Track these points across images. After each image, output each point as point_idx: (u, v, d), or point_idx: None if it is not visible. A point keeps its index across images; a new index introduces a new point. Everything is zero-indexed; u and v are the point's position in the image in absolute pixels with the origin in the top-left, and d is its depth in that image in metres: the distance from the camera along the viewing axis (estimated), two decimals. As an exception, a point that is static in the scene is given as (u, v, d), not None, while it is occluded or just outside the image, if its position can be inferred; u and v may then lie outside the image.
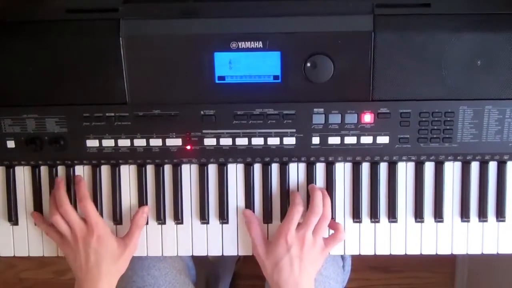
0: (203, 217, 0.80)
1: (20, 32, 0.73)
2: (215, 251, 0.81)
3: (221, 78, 0.73)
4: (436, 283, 1.49)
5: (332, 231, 0.79)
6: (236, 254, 0.81)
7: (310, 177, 0.79)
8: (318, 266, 0.77)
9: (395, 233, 0.80)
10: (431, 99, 0.73)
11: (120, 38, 0.72)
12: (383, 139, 0.75)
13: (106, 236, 0.76)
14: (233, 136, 0.76)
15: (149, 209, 0.80)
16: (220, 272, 1.30)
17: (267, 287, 0.92)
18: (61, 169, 0.80)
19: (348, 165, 0.79)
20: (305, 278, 0.74)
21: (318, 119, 0.75)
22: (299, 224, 0.76)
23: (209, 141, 0.76)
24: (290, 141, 0.76)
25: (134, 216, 0.79)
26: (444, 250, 0.80)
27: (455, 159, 0.78)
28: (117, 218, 0.80)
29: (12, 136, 0.77)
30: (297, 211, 0.76)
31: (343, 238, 0.78)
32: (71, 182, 0.80)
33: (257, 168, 0.80)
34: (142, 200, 0.80)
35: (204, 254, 0.81)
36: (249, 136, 0.76)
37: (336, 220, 0.80)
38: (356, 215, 0.79)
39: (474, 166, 0.79)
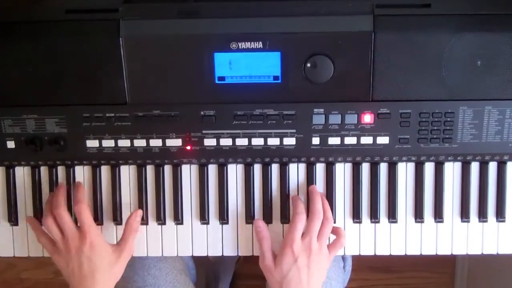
0: (203, 218, 0.80)
1: (20, 32, 0.72)
2: (215, 251, 0.81)
3: (221, 78, 0.73)
4: (436, 283, 1.49)
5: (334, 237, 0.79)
6: (236, 254, 0.81)
7: (310, 178, 0.79)
8: (325, 272, 0.76)
9: (395, 233, 0.80)
10: (431, 99, 0.73)
11: (120, 38, 0.71)
12: (383, 140, 0.75)
13: (99, 242, 0.75)
14: (233, 137, 0.76)
15: (149, 209, 0.80)
16: (220, 272, 1.30)
17: None
18: (61, 170, 0.80)
19: (348, 166, 0.79)
20: (313, 286, 0.74)
21: (318, 119, 0.75)
22: (303, 233, 0.76)
23: (209, 142, 0.76)
24: (290, 141, 0.76)
25: (128, 220, 0.78)
26: (444, 250, 0.80)
27: (455, 160, 0.78)
28: (117, 218, 0.80)
29: (12, 136, 0.77)
30: (300, 220, 0.75)
31: (344, 243, 0.77)
32: (70, 184, 0.80)
33: (257, 168, 0.80)
34: (142, 201, 0.80)
35: (204, 254, 0.81)
36: (249, 137, 0.76)
37: (337, 221, 0.80)
38: (356, 216, 0.79)
39: (474, 167, 0.79)
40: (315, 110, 0.74)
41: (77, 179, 0.80)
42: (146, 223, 0.81)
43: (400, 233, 0.80)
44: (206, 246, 0.81)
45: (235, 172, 0.80)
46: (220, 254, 0.81)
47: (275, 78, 0.73)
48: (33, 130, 0.76)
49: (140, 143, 0.77)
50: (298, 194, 0.80)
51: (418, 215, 0.79)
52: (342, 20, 0.71)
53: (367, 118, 0.74)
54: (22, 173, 0.81)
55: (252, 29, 0.71)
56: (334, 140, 0.76)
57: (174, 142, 0.76)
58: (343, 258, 0.95)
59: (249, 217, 0.80)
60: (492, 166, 0.79)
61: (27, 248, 0.82)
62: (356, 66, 0.72)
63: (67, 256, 0.74)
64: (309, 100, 0.74)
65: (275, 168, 0.80)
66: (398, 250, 0.80)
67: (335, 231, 0.77)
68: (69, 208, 0.78)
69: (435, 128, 0.74)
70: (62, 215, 0.75)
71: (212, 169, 0.80)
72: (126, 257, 0.77)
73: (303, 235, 0.75)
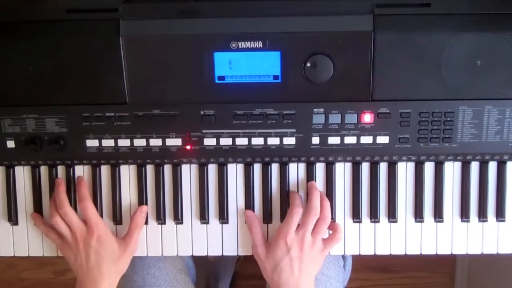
0: (203, 217, 0.80)
1: (20, 32, 0.73)
2: (215, 251, 0.81)
3: (221, 78, 0.73)
4: (436, 283, 1.49)
5: (331, 232, 0.79)
6: (236, 254, 0.81)
7: (310, 177, 0.79)
8: (318, 266, 0.77)
9: (395, 233, 0.80)
10: (431, 99, 0.73)
11: (120, 38, 0.72)
12: (383, 139, 0.75)
13: (106, 236, 0.76)
14: (233, 136, 0.76)
15: (148, 209, 0.80)
16: (220, 272, 1.30)
17: None
18: (61, 169, 0.80)
19: (348, 165, 0.79)
20: (305, 279, 0.74)
21: (318, 119, 0.75)
22: (298, 225, 0.76)
23: (209, 141, 0.76)
24: (290, 141, 0.76)
25: (133, 215, 0.79)
26: (444, 250, 0.80)
27: (455, 159, 0.78)
28: (117, 218, 0.80)
29: (12, 136, 0.77)
30: (296, 212, 0.76)
31: (341, 238, 0.78)
32: (71, 183, 0.80)
33: (257, 168, 0.80)
34: (142, 200, 0.80)
35: (204, 254, 0.81)
36: (249, 136, 0.76)
37: (336, 220, 0.80)
38: (356, 215, 0.79)
39: (474, 166, 0.79)
40: (315, 109, 0.74)
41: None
42: (146, 223, 0.81)
43: (400, 233, 0.80)
44: (206, 246, 0.81)
45: (235, 171, 0.80)
46: (220, 254, 0.81)
47: (275, 77, 0.73)
48: (33, 130, 0.76)
49: (140, 142, 0.77)
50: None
51: (418, 214, 0.79)
52: (342, 20, 0.71)
53: (367, 117, 0.74)
54: (22, 173, 0.81)
55: (252, 29, 0.71)
56: (334, 140, 0.76)
57: (174, 142, 0.76)
58: (343, 257, 0.95)
59: (249, 217, 0.80)
60: (492, 166, 0.79)
61: (27, 248, 0.82)
62: (356, 65, 0.72)
63: (76, 250, 0.76)
64: (309, 99, 0.74)
65: (275, 167, 0.80)
66: (398, 250, 0.80)
67: (332, 226, 0.78)
68: (71, 203, 0.79)
69: (435, 127, 0.75)
70: (67, 213, 0.76)
71: (212, 169, 0.80)
72: (131, 252, 0.78)
73: (298, 228, 0.75)
